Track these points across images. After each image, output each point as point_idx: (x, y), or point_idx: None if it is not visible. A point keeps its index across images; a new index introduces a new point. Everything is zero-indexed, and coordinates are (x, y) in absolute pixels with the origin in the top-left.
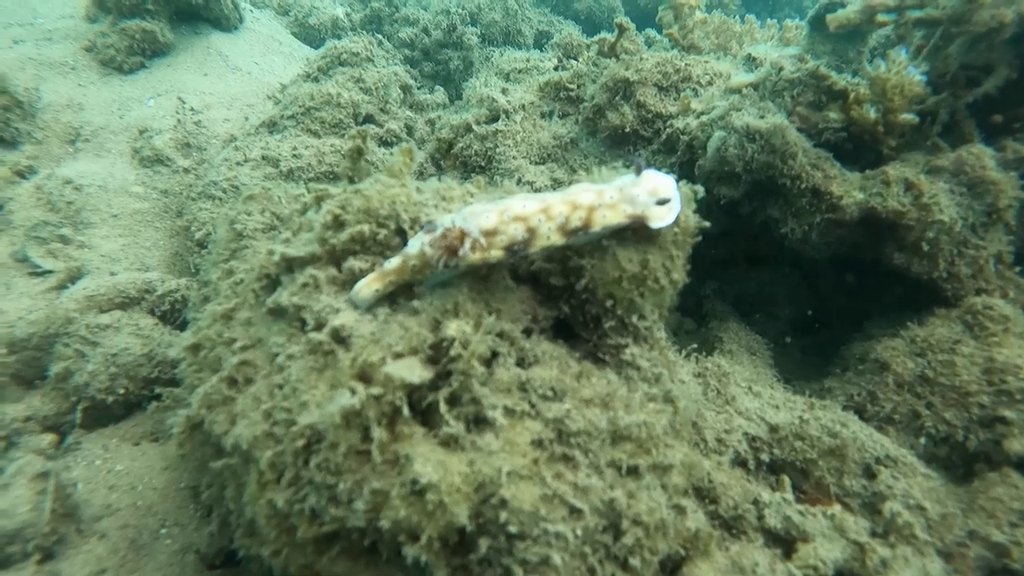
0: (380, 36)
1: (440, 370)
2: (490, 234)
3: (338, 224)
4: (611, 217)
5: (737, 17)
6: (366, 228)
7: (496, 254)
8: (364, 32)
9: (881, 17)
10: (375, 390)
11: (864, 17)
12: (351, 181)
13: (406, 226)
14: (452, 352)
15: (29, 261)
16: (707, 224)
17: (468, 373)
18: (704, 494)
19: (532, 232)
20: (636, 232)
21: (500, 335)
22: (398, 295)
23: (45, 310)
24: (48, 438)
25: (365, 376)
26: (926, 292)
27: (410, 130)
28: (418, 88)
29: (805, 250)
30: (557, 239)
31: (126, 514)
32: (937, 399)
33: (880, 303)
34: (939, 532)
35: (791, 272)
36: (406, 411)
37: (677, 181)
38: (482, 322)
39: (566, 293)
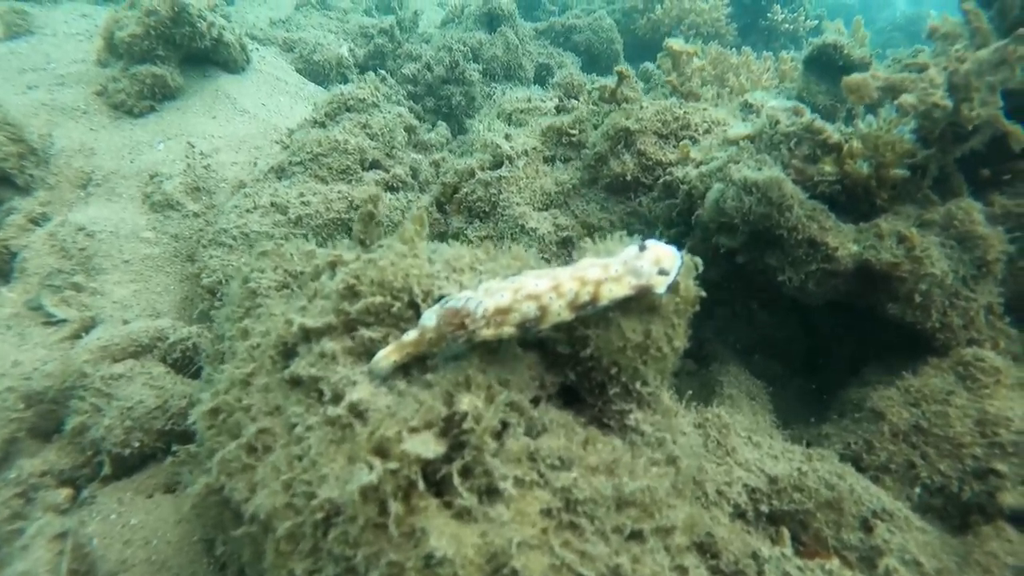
0: (383, 72)
1: (453, 442)
2: (504, 312)
3: (353, 295)
4: (617, 290)
5: (733, 49)
6: (379, 300)
7: (509, 331)
8: (368, 68)
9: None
10: (392, 465)
11: (885, 96)
12: (363, 244)
13: (419, 299)
14: (465, 426)
15: (43, 310)
16: (704, 294)
17: (480, 448)
18: (706, 549)
19: (544, 309)
20: (640, 303)
21: (510, 405)
22: (412, 367)
23: (60, 362)
24: (64, 492)
25: (382, 451)
26: (920, 339)
27: (415, 172)
28: (421, 124)
29: (802, 297)
30: (567, 315)
31: (140, 569)
32: (932, 450)
33: (877, 348)
34: None
35: (790, 317)
36: (421, 485)
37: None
38: (493, 395)
39: (572, 360)
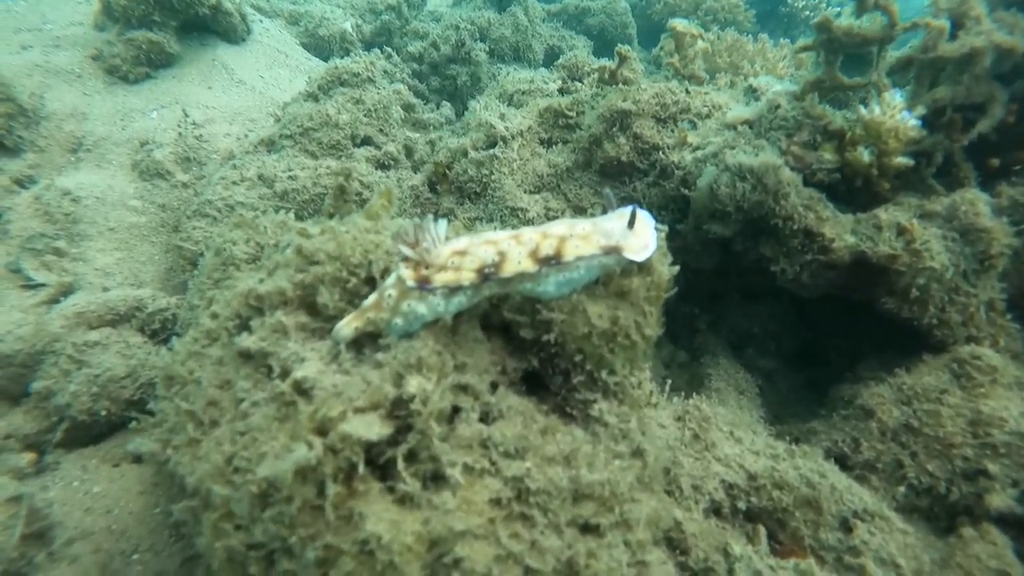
0: (389, 49)
1: (400, 425)
2: (461, 254)
3: (310, 265)
4: (583, 248)
5: (750, 36)
6: (333, 271)
7: (468, 275)
8: (374, 45)
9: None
10: (332, 445)
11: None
12: (333, 218)
13: (377, 276)
14: (412, 407)
15: (23, 273)
16: (677, 268)
17: (426, 432)
18: (676, 545)
19: (503, 255)
20: (607, 286)
21: (464, 389)
22: (365, 346)
23: (34, 325)
24: (28, 457)
25: (323, 430)
26: (917, 335)
27: (409, 151)
28: (425, 103)
29: (797, 290)
30: (528, 265)
31: (99, 538)
32: (921, 449)
33: (873, 343)
34: None
35: (785, 308)
36: (362, 468)
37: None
38: (443, 379)
39: (535, 346)
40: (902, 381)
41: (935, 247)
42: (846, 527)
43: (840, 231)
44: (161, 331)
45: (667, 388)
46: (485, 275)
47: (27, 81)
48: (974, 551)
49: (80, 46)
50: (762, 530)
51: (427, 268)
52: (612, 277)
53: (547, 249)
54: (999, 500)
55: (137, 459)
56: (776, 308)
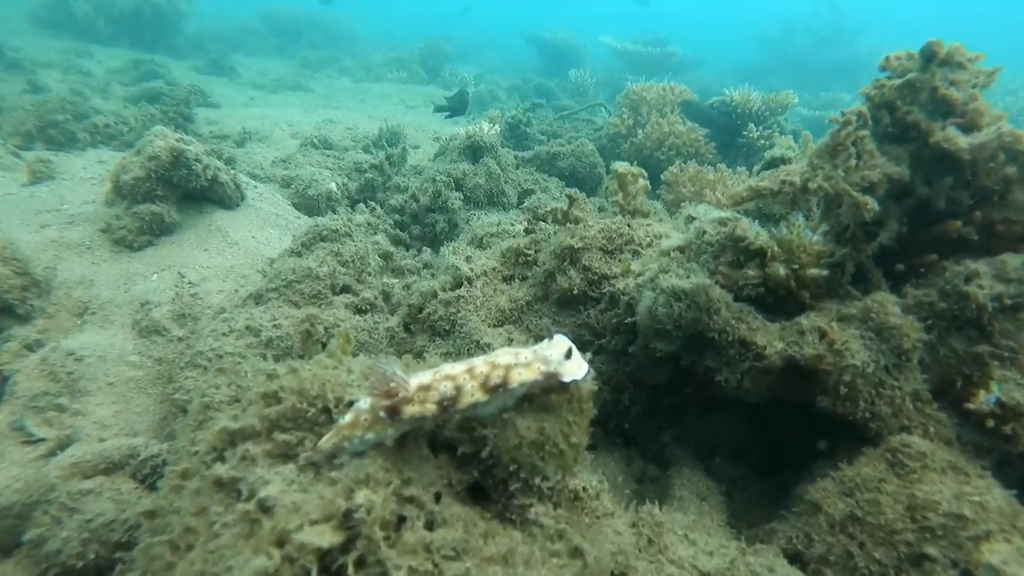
0: (373, 203)
1: (352, 535)
2: (425, 389)
3: (276, 401)
4: (526, 374)
5: (710, 166)
6: (295, 405)
7: (431, 408)
8: (359, 200)
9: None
10: (289, 554)
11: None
12: (302, 359)
13: (331, 405)
14: (357, 516)
15: (25, 430)
16: (596, 388)
17: (371, 537)
18: None
19: (459, 389)
20: (532, 403)
21: (410, 500)
22: (322, 466)
23: (31, 478)
24: None
25: (282, 542)
26: (857, 431)
27: (387, 296)
28: (407, 250)
29: (743, 396)
30: (480, 395)
31: None
32: (867, 538)
33: (829, 442)
34: None
35: (744, 416)
36: (314, 573)
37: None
38: (388, 490)
39: (476, 459)
40: (844, 474)
41: (854, 346)
42: None
43: (770, 338)
44: (152, 476)
45: (627, 498)
46: (444, 407)
47: (42, 255)
48: None
49: (91, 221)
50: None
51: (396, 399)
52: (536, 395)
53: (496, 379)
54: None
55: None
56: (735, 417)
